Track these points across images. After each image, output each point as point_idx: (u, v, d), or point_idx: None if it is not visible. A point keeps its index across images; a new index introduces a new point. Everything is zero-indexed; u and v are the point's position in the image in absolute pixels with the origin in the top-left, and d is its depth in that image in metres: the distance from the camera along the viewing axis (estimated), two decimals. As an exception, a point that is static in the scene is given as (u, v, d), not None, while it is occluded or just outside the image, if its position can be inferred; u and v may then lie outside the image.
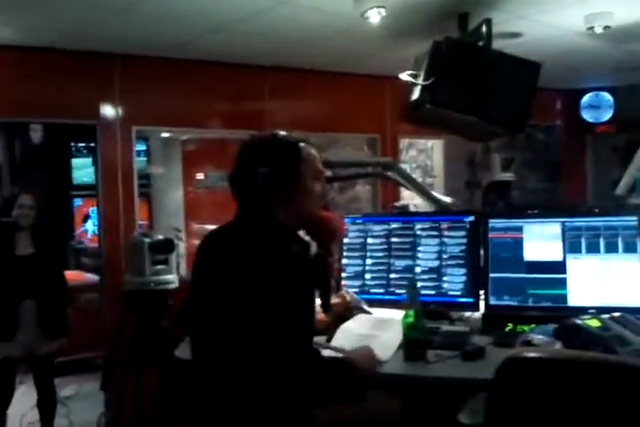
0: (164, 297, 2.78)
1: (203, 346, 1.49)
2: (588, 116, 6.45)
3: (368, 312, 2.07)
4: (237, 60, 4.57)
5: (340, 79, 5.02)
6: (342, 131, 5.20)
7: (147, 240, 2.74)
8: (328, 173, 2.21)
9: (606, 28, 3.82)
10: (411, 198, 6.16)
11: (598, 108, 6.42)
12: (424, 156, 6.45)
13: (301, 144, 1.57)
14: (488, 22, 3.24)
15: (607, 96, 6.41)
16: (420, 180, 6.14)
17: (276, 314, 1.33)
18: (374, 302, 2.16)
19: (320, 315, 1.93)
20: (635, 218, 1.99)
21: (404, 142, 6.10)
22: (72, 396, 3.99)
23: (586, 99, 6.45)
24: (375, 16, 3.57)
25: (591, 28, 3.86)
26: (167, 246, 2.77)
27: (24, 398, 3.49)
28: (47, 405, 3.35)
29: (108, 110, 4.13)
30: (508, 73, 3.14)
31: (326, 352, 1.74)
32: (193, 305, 1.52)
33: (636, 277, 1.92)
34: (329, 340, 1.85)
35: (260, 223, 1.49)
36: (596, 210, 2.22)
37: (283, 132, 1.59)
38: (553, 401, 1.16)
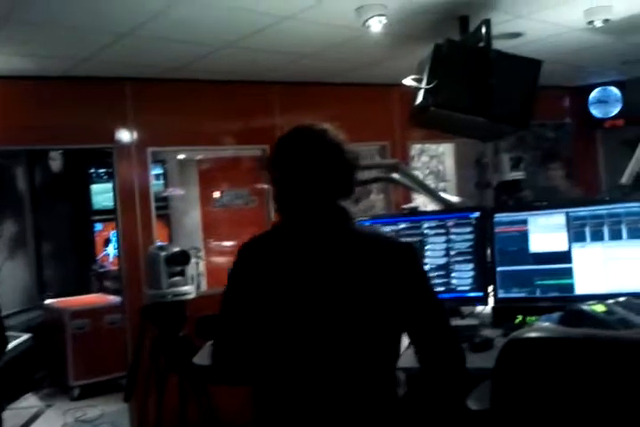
0: (182, 308, 2.85)
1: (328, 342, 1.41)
2: (596, 111, 6.43)
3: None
4: (245, 77, 4.66)
5: (347, 90, 5.09)
6: (353, 140, 5.22)
7: (162, 253, 2.82)
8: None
9: (606, 21, 3.84)
10: (423, 205, 6.20)
11: (606, 102, 6.41)
12: (436, 161, 6.48)
13: None
14: (487, 23, 3.28)
15: (615, 90, 6.39)
16: (433, 185, 6.18)
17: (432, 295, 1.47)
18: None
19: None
20: (638, 204, 2.01)
21: (415, 149, 6.15)
22: (98, 418, 4.03)
23: (594, 94, 6.44)
24: (376, 25, 3.63)
25: (591, 23, 3.88)
26: (183, 258, 2.84)
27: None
28: None
29: (122, 134, 4.23)
30: (509, 72, 3.18)
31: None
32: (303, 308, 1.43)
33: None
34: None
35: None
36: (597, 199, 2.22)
37: None
38: (556, 380, 1.19)
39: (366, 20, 3.62)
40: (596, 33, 4.28)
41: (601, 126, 6.50)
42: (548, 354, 1.20)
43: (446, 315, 1.50)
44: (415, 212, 2.84)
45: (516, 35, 4.24)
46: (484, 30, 3.28)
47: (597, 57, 5.18)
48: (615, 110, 6.39)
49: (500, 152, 5.87)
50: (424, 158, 6.55)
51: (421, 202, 5.99)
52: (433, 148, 6.49)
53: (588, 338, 1.18)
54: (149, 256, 2.90)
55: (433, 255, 2.21)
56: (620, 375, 1.15)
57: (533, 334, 1.22)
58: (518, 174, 5.51)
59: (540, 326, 1.52)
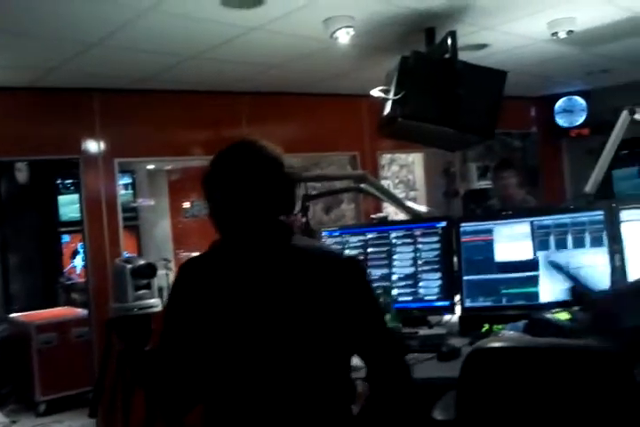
0: (148, 321, 2.82)
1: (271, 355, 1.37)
2: (562, 120, 6.56)
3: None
4: (213, 88, 4.65)
5: (317, 100, 5.11)
6: (322, 151, 5.28)
7: (129, 266, 2.78)
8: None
9: (570, 32, 3.92)
10: (394, 214, 6.24)
11: (572, 112, 6.54)
12: (406, 171, 6.54)
13: None
14: (453, 35, 3.33)
15: (580, 100, 6.53)
16: (403, 194, 6.23)
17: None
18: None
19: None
20: (601, 213, 2.05)
21: (385, 158, 6.19)
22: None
23: (559, 104, 6.57)
24: (344, 36, 3.66)
25: (555, 34, 3.97)
26: (149, 271, 2.81)
27: None
28: None
29: (89, 145, 4.19)
30: (475, 83, 3.22)
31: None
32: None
33: (604, 269, 1.97)
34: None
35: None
36: (561, 207, 2.26)
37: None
38: (519, 389, 1.20)
39: (334, 32, 3.64)
40: (561, 44, 4.38)
41: (567, 135, 6.63)
42: (511, 363, 1.21)
43: (390, 330, 1.50)
44: (384, 222, 2.86)
45: (482, 46, 4.31)
46: (449, 42, 3.32)
47: (562, 68, 5.29)
48: (580, 120, 6.52)
49: (468, 161, 5.95)
50: (394, 168, 6.60)
51: (392, 211, 6.04)
52: (403, 157, 6.54)
53: (549, 347, 1.20)
54: (115, 269, 2.87)
55: (401, 265, 2.22)
56: (581, 383, 1.16)
57: (496, 344, 1.23)
58: (485, 183, 5.59)
59: (503, 336, 1.53)
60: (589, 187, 2.69)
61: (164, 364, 1.44)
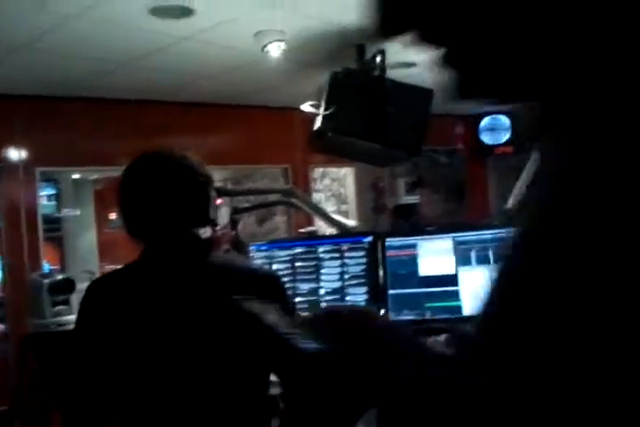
0: (65, 339, 2.71)
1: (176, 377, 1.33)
2: (487, 138, 6.82)
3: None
4: (144, 96, 4.57)
5: (250, 112, 5.11)
6: (254, 163, 5.27)
7: (46, 281, 2.68)
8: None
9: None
10: (326, 227, 6.26)
11: (496, 130, 6.81)
12: (337, 184, 6.60)
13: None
14: (382, 53, 3.41)
15: (504, 119, 6.81)
16: (334, 208, 6.28)
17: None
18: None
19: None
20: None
21: (317, 172, 6.23)
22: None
23: (484, 122, 6.83)
24: (275, 50, 3.69)
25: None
26: (67, 286, 2.71)
27: None
28: None
29: (10, 153, 4.03)
30: (403, 100, 3.29)
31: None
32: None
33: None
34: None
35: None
36: (483, 224, 2.33)
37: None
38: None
39: (265, 45, 3.67)
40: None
41: (492, 153, 6.88)
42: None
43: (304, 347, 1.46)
44: (312, 236, 2.87)
45: (410, 64, 4.43)
46: (378, 59, 3.40)
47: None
48: (505, 138, 6.79)
49: (397, 177, 6.06)
50: (326, 181, 6.65)
51: (324, 225, 6.05)
52: (335, 171, 6.60)
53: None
54: (32, 284, 2.75)
55: (328, 279, 2.22)
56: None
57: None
58: (413, 198, 5.70)
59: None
60: (511, 203, 2.79)
61: (75, 386, 1.38)
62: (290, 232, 5.34)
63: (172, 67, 3.97)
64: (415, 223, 4.66)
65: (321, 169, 6.40)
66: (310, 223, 4.94)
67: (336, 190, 6.61)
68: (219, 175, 6.32)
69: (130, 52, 3.59)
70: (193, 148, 5.00)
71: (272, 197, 4.07)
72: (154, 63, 3.86)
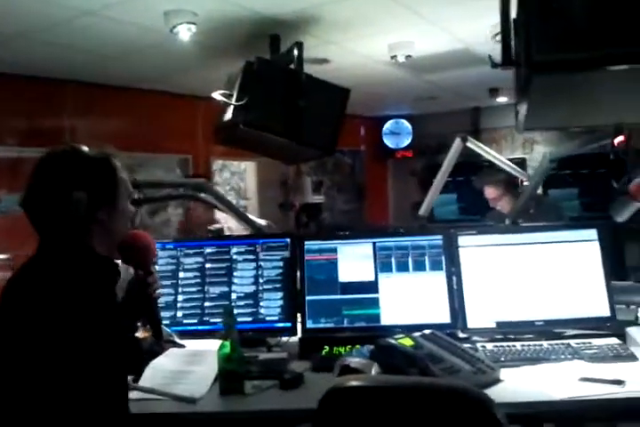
0: None
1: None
2: (389, 141, 6.91)
3: (181, 345, 1.92)
4: (35, 73, 4.20)
5: (151, 97, 4.82)
6: (153, 151, 4.98)
7: None
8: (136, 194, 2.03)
9: (408, 57, 4.09)
10: (225, 221, 6.05)
11: (398, 134, 6.92)
12: (237, 178, 6.42)
13: (115, 162, 1.42)
14: (299, 46, 3.28)
15: (406, 123, 6.93)
16: (234, 202, 6.09)
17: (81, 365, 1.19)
18: (187, 334, 2.01)
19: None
20: (439, 237, 2.08)
21: (217, 164, 6.02)
22: None
23: (387, 126, 6.92)
24: (185, 32, 3.47)
25: (394, 57, 4.11)
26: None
27: None
28: None
29: None
30: (319, 97, 3.19)
31: (134, 394, 1.57)
32: None
33: (442, 294, 2.00)
34: (136, 380, 1.67)
35: (77, 258, 1.32)
36: (402, 230, 2.28)
37: (85, 147, 1.41)
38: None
39: (175, 26, 3.43)
40: (398, 68, 4.55)
41: (393, 156, 6.99)
42: (370, 403, 1.14)
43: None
44: (223, 236, 2.70)
45: (324, 60, 4.34)
46: (296, 52, 3.27)
47: (396, 91, 5.53)
48: (406, 142, 6.92)
49: (303, 175, 5.98)
50: (225, 174, 6.45)
51: (222, 217, 5.85)
52: (235, 164, 6.42)
53: (411, 386, 1.14)
54: None
55: (241, 283, 2.07)
56: (442, 423, 1.11)
57: (354, 383, 1.15)
58: (319, 198, 5.65)
59: (361, 376, 1.46)
60: (423, 210, 2.77)
61: None
62: (187, 229, 5.10)
63: (73, 43, 3.65)
64: (320, 223, 4.60)
65: (220, 162, 6.19)
66: (210, 219, 4.75)
67: (235, 184, 6.42)
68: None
69: (25, 23, 3.24)
70: (86, 130, 4.67)
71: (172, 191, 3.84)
72: (52, 37, 3.52)
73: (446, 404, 1.08)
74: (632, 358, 1.76)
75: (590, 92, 1.78)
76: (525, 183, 3.11)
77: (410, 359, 1.57)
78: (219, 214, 4.15)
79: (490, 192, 3.69)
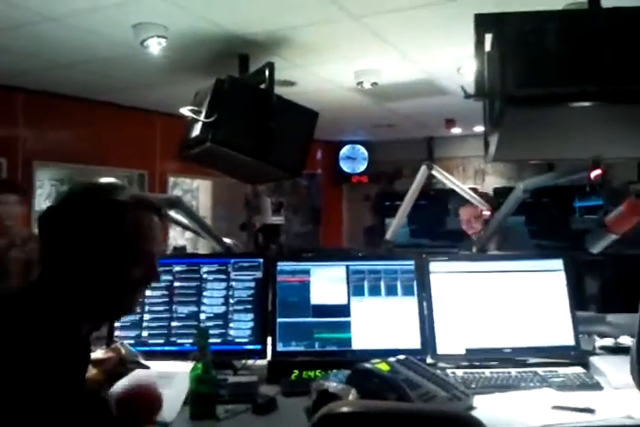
0: None
1: None
2: (345, 166, 6.98)
3: (146, 367, 1.85)
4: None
5: (109, 110, 4.72)
6: (107, 164, 4.85)
7: None
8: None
9: (374, 84, 4.15)
10: (174, 239, 5.93)
11: (354, 159, 7.01)
12: (189, 196, 6.33)
13: None
14: (271, 66, 3.28)
15: (362, 149, 7.02)
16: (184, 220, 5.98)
17: None
18: (153, 355, 1.93)
19: (90, 372, 1.66)
20: (412, 262, 2.09)
21: (169, 181, 5.92)
22: None
23: (344, 150, 7.00)
24: (155, 46, 3.43)
25: (360, 84, 4.17)
26: None
27: None
28: None
29: None
30: (288, 119, 3.19)
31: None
32: None
33: (413, 319, 2.00)
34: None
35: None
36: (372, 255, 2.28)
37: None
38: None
39: (145, 40, 3.39)
40: (362, 94, 4.62)
41: (349, 181, 7.06)
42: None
43: None
44: (194, 254, 2.62)
45: (290, 83, 4.36)
46: (267, 73, 3.27)
47: (356, 117, 5.60)
48: (362, 167, 7.01)
49: (262, 195, 5.94)
50: (177, 192, 6.35)
51: (172, 235, 5.74)
52: (188, 182, 6.33)
53: (405, 412, 1.12)
54: None
55: (211, 303, 2.02)
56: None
57: (346, 409, 1.12)
58: (279, 219, 5.61)
59: (355, 401, 1.43)
60: (390, 235, 2.78)
61: None
62: None
63: (32, 50, 3.55)
64: (279, 245, 4.56)
65: (172, 179, 6.10)
66: (164, 236, 4.65)
67: (188, 202, 6.32)
68: (57, 174, 5.76)
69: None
70: (39, 141, 4.50)
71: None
72: (9, 42, 3.42)
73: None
74: (597, 387, 1.79)
75: (564, 125, 1.84)
76: (485, 213, 3.17)
77: (388, 385, 1.56)
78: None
79: (465, 213, 3.68)
